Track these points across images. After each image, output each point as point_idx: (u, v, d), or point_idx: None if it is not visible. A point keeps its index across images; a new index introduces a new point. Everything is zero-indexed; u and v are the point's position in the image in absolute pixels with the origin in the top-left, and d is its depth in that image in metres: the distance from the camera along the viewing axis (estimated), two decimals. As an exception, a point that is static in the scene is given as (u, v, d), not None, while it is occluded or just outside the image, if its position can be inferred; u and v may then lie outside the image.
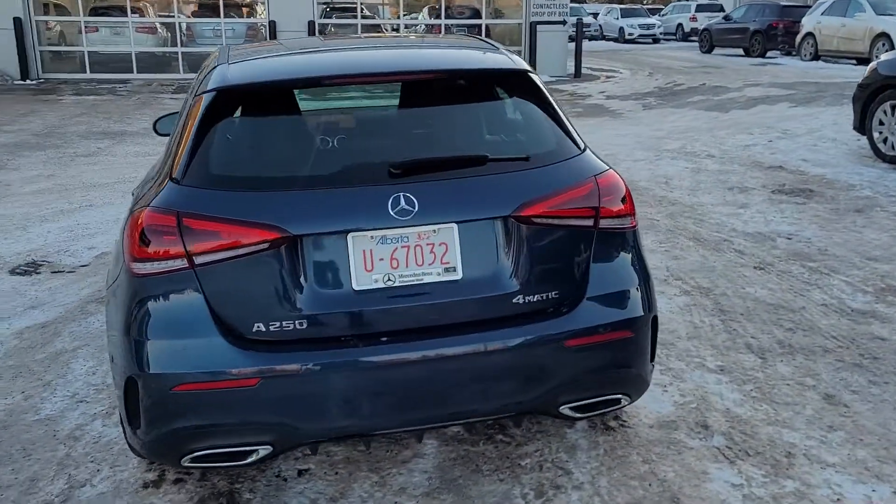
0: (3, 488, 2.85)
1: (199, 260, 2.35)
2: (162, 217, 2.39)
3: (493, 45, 3.10)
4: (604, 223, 2.60)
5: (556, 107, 2.80)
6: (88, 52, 18.12)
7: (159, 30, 18.99)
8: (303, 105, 2.78)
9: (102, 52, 18.40)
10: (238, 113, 2.62)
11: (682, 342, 3.89)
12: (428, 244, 2.45)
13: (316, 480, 2.88)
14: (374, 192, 2.42)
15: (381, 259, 2.42)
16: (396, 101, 2.88)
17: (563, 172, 2.61)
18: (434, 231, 2.45)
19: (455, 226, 2.46)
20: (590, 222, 2.58)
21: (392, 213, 2.40)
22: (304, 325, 2.38)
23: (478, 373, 2.46)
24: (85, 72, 18.04)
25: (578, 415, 2.68)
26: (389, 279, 2.43)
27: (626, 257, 2.67)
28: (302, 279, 2.38)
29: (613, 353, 2.61)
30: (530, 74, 2.82)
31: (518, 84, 2.83)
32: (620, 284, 2.64)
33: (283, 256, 2.37)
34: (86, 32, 18.05)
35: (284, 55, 2.98)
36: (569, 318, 2.53)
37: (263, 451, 2.43)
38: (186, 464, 2.45)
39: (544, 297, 2.54)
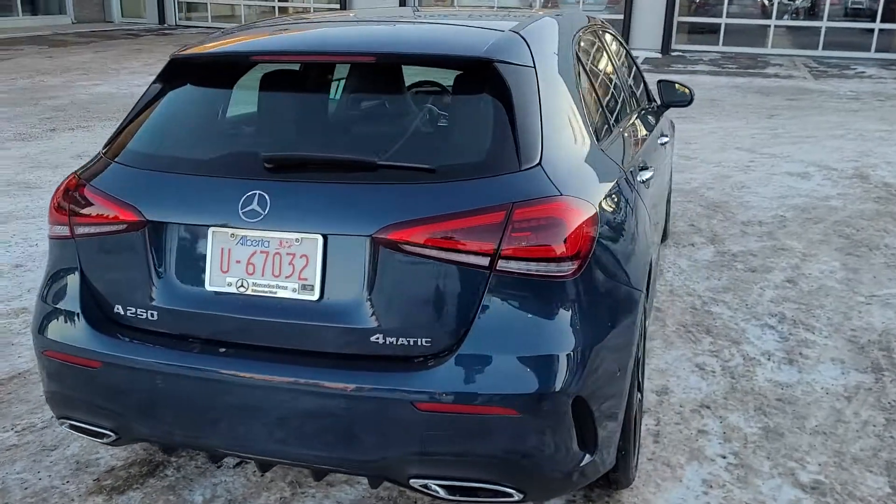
0: None
1: (78, 230, 2.32)
2: (71, 182, 2.40)
3: (521, 24, 2.53)
4: (506, 265, 2.01)
5: (527, 107, 2.22)
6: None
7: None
8: (235, 85, 2.52)
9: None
10: (161, 88, 2.49)
11: None
12: (288, 254, 2.12)
13: (239, 477, 2.75)
14: (231, 186, 2.15)
15: (238, 262, 2.16)
16: (333, 86, 2.50)
17: (471, 192, 2.06)
18: (297, 240, 2.11)
19: (320, 238, 2.09)
20: (484, 261, 2.01)
21: (240, 212, 2.11)
22: (155, 317, 2.23)
23: (310, 414, 2.09)
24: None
25: (450, 496, 2.14)
26: (242, 285, 2.16)
27: (540, 313, 2.05)
28: (160, 268, 2.22)
29: (487, 432, 2.03)
30: (499, 64, 2.26)
31: (481, 76, 2.29)
32: (515, 347, 2.03)
33: (146, 241, 2.23)
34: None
35: (252, 32, 2.74)
36: (428, 374, 2.02)
37: (109, 436, 2.35)
38: (65, 427, 2.47)
39: (410, 343, 2.06)
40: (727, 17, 17.90)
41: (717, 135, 9.03)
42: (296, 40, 2.51)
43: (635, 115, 3.45)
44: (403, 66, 2.40)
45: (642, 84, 4.30)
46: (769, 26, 17.77)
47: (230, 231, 2.15)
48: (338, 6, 19.73)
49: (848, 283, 4.61)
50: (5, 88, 11.29)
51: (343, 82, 2.50)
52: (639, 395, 2.77)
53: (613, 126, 2.91)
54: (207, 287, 2.18)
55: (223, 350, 2.16)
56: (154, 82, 2.52)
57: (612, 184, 2.43)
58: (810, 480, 2.77)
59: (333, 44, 2.43)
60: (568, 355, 2.05)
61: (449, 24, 2.73)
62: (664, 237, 5.13)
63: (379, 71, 2.38)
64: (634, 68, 4.21)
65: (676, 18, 17.64)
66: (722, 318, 4.12)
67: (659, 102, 4.38)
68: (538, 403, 2.01)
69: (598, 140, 2.62)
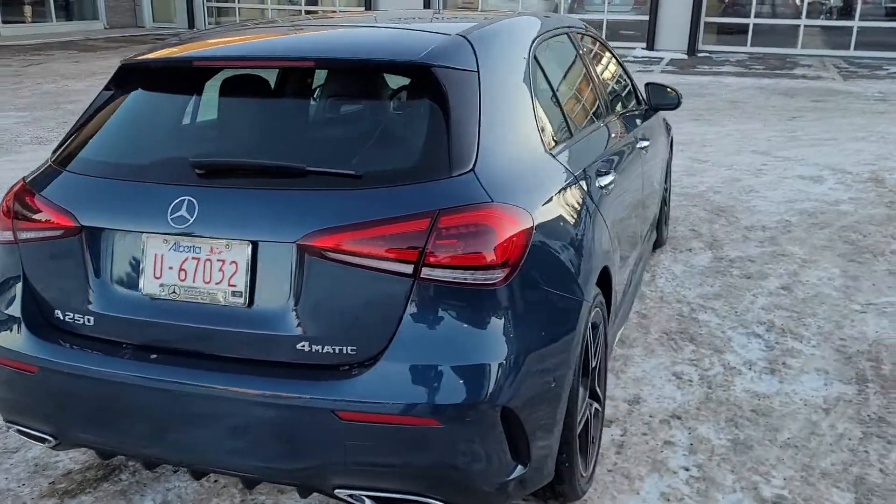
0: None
1: (20, 235, 2.34)
2: (17, 188, 2.42)
3: (468, 28, 2.50)
4: (431, 273, 1.98)
5: (464, 112, 2.18)
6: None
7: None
8: (183, 90, 2.51)
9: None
10: (110, 95, 2.50)
11: None
12: (219, 260, 2.11)
13: (192, 483, 2.74)
14: (162, 192, 2.15)
15: (171, 267, 2.16)
16: (277, 92, 2.48)
17: (397, 199, 2.03)
18: (227, 246, 2.10)
19: (248, 245, 2.08)
20: (407, 269, 1.98)
21: (169, 218, 2.11)
22: (91, 322, 2.24)
23: (236, 422, 2.08)
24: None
25: (382, 508, 2.11)
26: (174, 291, 2.15)
27: (466, 321, 2.01)
28: (97, 274, 2.23)
29: (409, 443, 2.00)
30: (436, 69, 2.23)
31: (419, 81, 2.26)
32: (439, 356, 1.99)
33: (83, 246, 2.23)
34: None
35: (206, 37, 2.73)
36: (350, 383, 1.99)
37: (50, 441, 2.36)
38: (12, 430, 2.48)
39: (336, 351, 2.03)
40: (756, 17, 17.63)
41: (734, 137, 8.87)
42: (238, 46, 2.51)
43: (609, 120, 3.39)
44: (344, 72, 2.37)
45: (630, 88, 4.24)
46: (799, 26, 17.45)
47: (163, 237, 2.15)
48: (363, 8, 19.82)
49: (845, 291, 4.49)
50: (29, 93, 11.52)
51: (283, 88, 2.48)
52: (596, 406, 2.72)
53: (575, 131, 2.85)
54: (142, 293, 2.18)
55: (154, 356, 2.16)
56: (104, 89, 2.53)
57: (557, 190, 2.38)
58: (772, 495, 2.69)
59: (273, 49, 2.42)
60: (494, 365, 2.01)
61: (403, 28, 2.70)
62: (658, 242, 5.05)
63: (318, 76, 2.36)
64: (620, 72, 4.15)
65: (703, 19, 17.41)
66: (708, 326, 4.03)
67: (647, 106, 4.31)
68: (462, 414, 1.97)
69: (555, 144, 2.58)
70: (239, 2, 22.12)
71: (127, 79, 2.50)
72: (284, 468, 2.09)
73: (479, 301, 2.02)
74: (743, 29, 17.67)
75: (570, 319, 2.23)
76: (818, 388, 3.42)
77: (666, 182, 5.12)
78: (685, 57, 16.81)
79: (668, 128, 4.88)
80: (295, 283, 2.04)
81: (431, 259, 1.98)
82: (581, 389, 2.53)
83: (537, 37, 2.86)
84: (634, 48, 17.26)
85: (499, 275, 2.02)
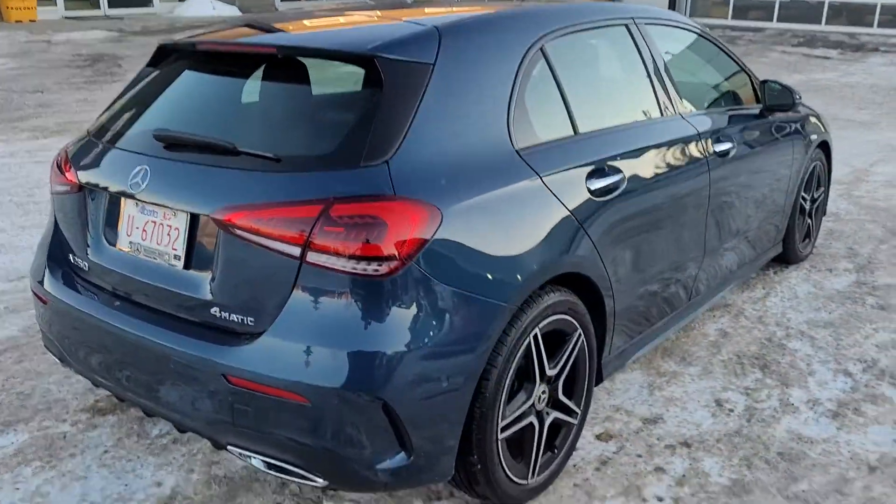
0: None
1: (54, 188, 2.76)
2: (61, 152, 2.85)
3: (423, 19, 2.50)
4: (316, 258, 2.06)
5: (398, 104, 2.21)
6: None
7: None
8: (191, 72, 2.72)
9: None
10: (142, 72, 2.82)
11: None
12: (168, 225, 2.36)
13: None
14: (132, 159, 2.43)
15: (138, 228, 2.44)
16: (240, 76, 2.61)
17: (301, 184, 2.13)
18: (174, 213, 2.34)
19: (186, 214, 2.30)
20: (295, 251, 2.08)
21: (128, 182, 2.39)
22: (87, 268, 2.60)
23: (161, 371, 2.31)
24: (726, 17, 18.10)
25: (266, 470, 2.24)
26: (138, 249, 2.44)
27: (343, 308, 2.06)
28: (92, 227, 2.58)
29: (283, 416, 2.10)
30: (381, 61, 2.26)
31: (366, 71, 2.31)
32: (315, 337, 2.06)
33: (85, 201, 2.59)
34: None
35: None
36: (238, 351, 2.14)
37: (59, 363, 2.76)
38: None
39: (240, 320, 2.19)
40: None
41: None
42: (224, 35, 2.73)
43: (663, 119, 3.15)
44: (300, 61, 2.49)
45: (730, 85, 3.87)
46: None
47: (135, 200, 2.43)
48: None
49: None
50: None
51: (245, 74, 2.63)
52: (561, 417, 2.63)
53: (583, 129, 2.72)
54: (118, 247, 2.49)
55: (117, 304, 2.46)
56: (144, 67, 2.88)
57: (502, 189, 2.32)
58: (735, 547, 2.44)
59: (243, 37, 2.62)
60: (368, 353, 2.05)
61: (388, 18, 2.75)
62: (787, 258, 4.57)
63: (279, 64, 2.49)
64: (716, 67, 3.80)
65: None
66: (794, 356, 3.63)
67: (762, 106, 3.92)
68: (330, 396, 2.05)
69: (537, 143, 2.51)
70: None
71: (156, 60, 2.82)
72: (189, 419, 2.30)
73: (361, 291, 2.06)
74: None
75: (473, 321, 2.19)
76: (881, 443, 2.97)
77: (809, 192, 4.61)
78: None
79: (804, 132, 4.33)
80: (215, 254, 2.23)
81: (317, 245, 2.06)
82: (524, 394, 2.47)
83: (554, 30, 2.76)
84: None
85: (384, 267, 2.05)
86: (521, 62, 2.58)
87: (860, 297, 4.29)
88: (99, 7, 18.80)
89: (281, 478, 2.30)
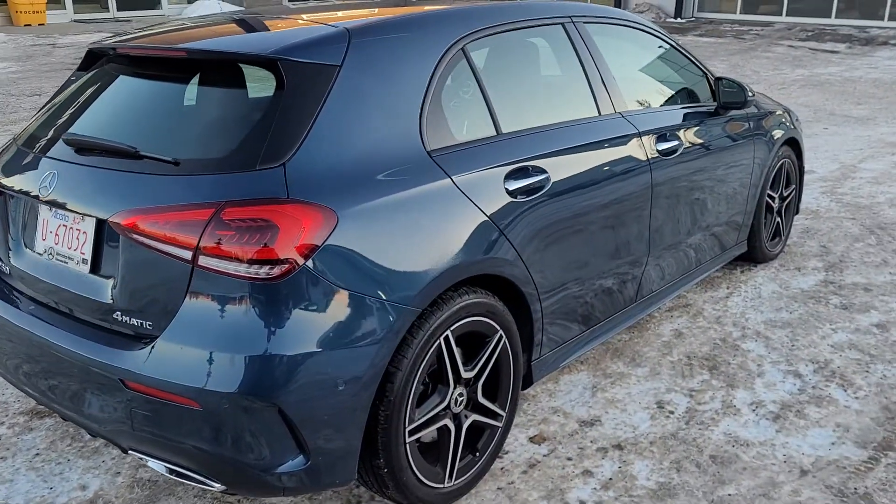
0: None
1: (-17, 195, 2.78)
2: None
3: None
4: (207, 262, 2.06)
5: (298, 107, 2.21)
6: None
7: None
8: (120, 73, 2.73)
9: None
10: (75, 76, 2.84)
11: None
12: (77, 229, 2.36)
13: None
14: (45, 163, 2.44)
15: (51, 232, 2.45)
16: (153, 79, 2.60)
17: (195, 187, 2.12)
18: (82, 218, 2.35)
19: (93, 218, 2.31)
20: (187, 255, 2.07)
21: (39, 186, 2.40)
22: (8, 272, 2.62)
23: (73, 378, 2.31)
24: (734, 12, 17.97)
25: (167, 474, 2.24)
26: (51, 253, 2.45)
27: (235, 312, 2.05)
28: (13, 231, 2.59)
29: (178, 420, 2.10)
30: (283, 63, 2.25)
31: (270, 74, 2.30)
32: (206, 342, 2.05)
33: (7, 207, 2.61)
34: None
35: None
36: (133, 355, 2.14)
37: None
38: None
39: (139, 324, 2.19)
40: None
41: (973, 143, 7.49)
42: (142, 37, 2.73)
43: (598, 118, 3.11)
44: (210, 64, 2.48)
45: (680, 82, 3.82)
46: None
47: (48, 205, 2.44)
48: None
49: (957, 340, 3.71)
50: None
51: (160, 77, 2.62)
52: (481, 419, 2.61)
53: (506, 130, 2.70)
54: (34, 251, 2.51)
55: (31, 308, 2.47)
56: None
57: (407, 191, 2.31)
58: (649, 552, 2.41)
59: (156, 40, 2.62)
60: (257, 357, 2.04)
61: (304, 20, 2.74)
62: (754, 257, 4.51)
63: (189, 68, 2.49)
64: (663, 65, 3.75)
65: None
66: (746, 357, 3.58)
67: (716, 104, 3.87)
68: (220, 401, 2.04)
69: (451, 145, 2.49)
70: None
71: (85, 62, 2.83)
72: (95, 424, 2.31)
73: (252, 295, 2.06)
74: None
75: (371, 324, 2.18)
76: (819, 446, 2.92)
77: (776, 190, 4.54)
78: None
79: (766, 128, 4.25)
80: (116, 258, 2.23)
81: (207, 248, 2.05)
82: (437, 397, 2.46)
83: (478, 30, 2.74)
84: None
85: (276, 270, 2.05)
86: (439, 63, 2.57)
87: (824, 296, 4.23)
88: (108, 10, 18.98)
89: (183, 483, 2.30)
